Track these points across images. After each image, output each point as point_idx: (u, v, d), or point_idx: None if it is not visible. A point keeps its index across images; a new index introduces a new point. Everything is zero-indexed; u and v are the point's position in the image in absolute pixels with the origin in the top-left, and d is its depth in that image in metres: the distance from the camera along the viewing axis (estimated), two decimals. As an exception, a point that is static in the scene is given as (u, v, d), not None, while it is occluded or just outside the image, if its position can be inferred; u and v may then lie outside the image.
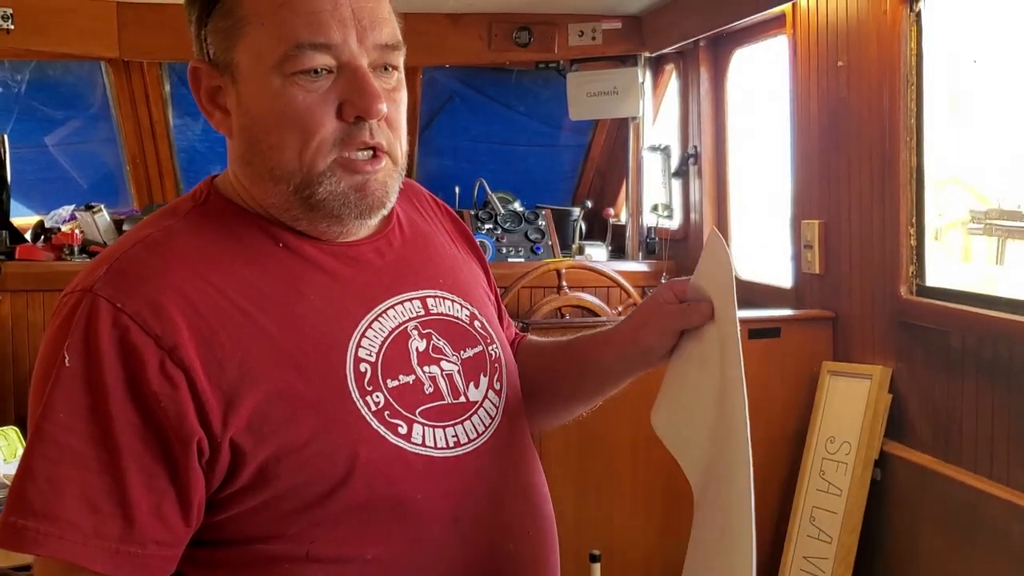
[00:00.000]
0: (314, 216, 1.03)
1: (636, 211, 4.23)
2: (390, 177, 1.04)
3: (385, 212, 1.07)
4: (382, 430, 1.00)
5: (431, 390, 1.05)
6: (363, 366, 1.01)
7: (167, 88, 4.17)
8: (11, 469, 2.73)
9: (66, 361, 0.92)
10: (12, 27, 3.56)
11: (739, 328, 1.07)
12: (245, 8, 1.00)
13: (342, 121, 1.00)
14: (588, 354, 1.24)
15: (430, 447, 1.02)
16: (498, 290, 1.33)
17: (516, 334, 1.34)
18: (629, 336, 1.19)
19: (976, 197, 2.61)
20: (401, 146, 1.05)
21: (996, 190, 2.48)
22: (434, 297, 1.12)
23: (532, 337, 1.35)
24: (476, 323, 1.15)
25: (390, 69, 1.03)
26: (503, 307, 1.31)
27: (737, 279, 1.10)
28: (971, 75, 2.54)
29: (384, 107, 1.00)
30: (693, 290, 1.15)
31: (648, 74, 4.15)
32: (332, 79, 1.00)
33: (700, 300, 1.13)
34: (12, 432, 2.96)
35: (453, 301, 1.14)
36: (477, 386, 1.10)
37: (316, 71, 0.98)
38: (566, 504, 2.72)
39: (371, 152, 1.02)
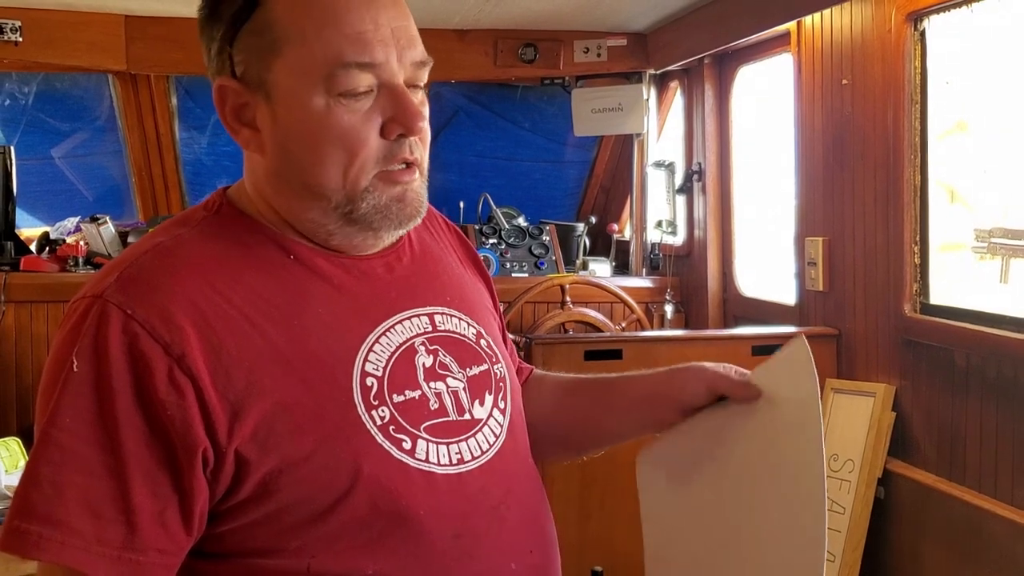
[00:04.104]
0: (351, 230, 1.04)
1: (640, 227, 4.23)
2: (422, 188, 1.06)
3: (418, 222, 1.08)
4: (387, 445, 1.00)
5: (436, 406, 1.05)
6: (369, 380, 1.01)
7: (174, 101, 4.19)
8: (13, 480, 2.73)
9: (74, 366, 0.92)
10: (21, 39, 3.58)
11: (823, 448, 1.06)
12: (283, 27, 1.00)
13: (384, 139, 1.01)
14: (617, 387, 1.26)
15: (433, 463, 1.02)
16: (501, 306, 1.33)
17: (520, 365, 1.34)
18: (667, 376, 1.21)
19: (976, 215, 2.61)
20: (426, 159, 1.08)
21: (999, 209, 2.48)
22: (441, 314, 1.12)
23: (540, 372, 1.36)
24: (482, 342, 1.15)
25: (419, 86, 1.05)
26: (506, 329, 1.31)
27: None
28: (976, 94, 2.54)
29: (425, 124, 1.03)
30: (755, 375, 1.15)
31: (653, 91, 4.16)
32: (373, 98, 1.01)
33: (754, 384, 1.14)
34: (14, 443, 2.95)
35: (460, 319, 1.14)
36: (482, 404, 1.10)
37: (359, 90, 0.99)
38: (568, 521, 2.71)
39: (405, 163, 1.03)
